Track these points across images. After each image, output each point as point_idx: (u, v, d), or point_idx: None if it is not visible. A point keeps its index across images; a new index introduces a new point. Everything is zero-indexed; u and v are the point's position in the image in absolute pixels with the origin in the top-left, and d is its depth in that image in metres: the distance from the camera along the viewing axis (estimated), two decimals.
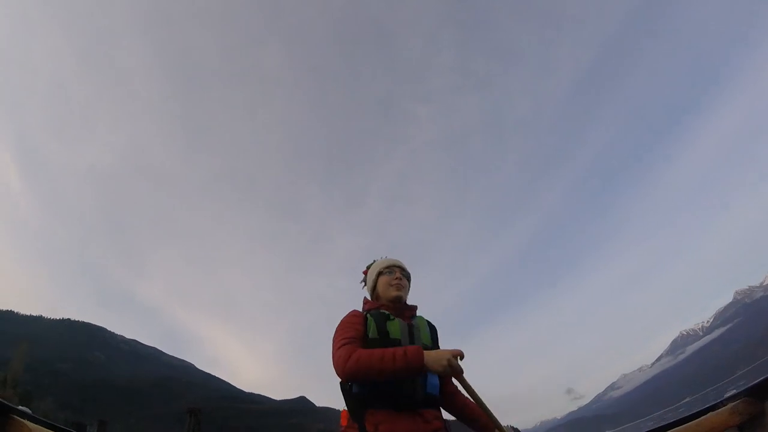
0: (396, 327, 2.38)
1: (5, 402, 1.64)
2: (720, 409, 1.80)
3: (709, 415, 1.83)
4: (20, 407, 1.78)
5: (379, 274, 2.49)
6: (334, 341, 2.40)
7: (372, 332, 2.38)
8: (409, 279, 2.51)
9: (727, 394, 1.87)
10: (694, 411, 1.91)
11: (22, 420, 1.63)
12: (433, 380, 2.38)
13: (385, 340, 2.38)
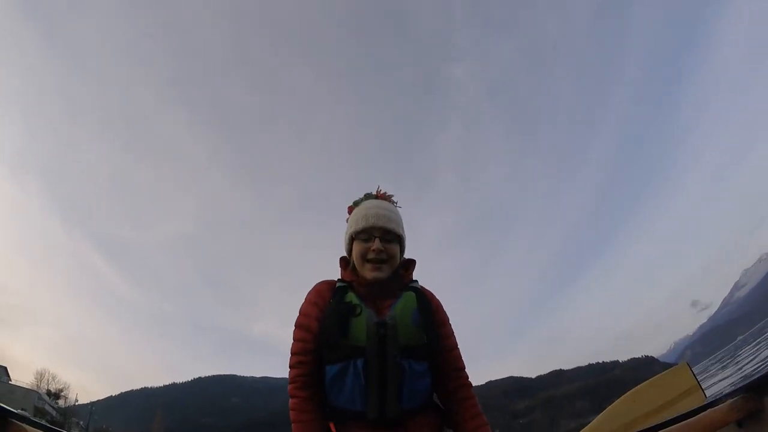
0: (361, 327, 1.70)
1: (4, 406, 1.58)
2: (719, 406, 1.76)
3: (708, 411, 1.79)
4: (19, 411, 1.70)
5: (353, 237, 1.88)
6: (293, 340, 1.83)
7: (330, 328, 1.70)
8: (399, 240, 1.89)
9: (726, 391, 1.84)
10: (693, 408, 1.89)
11: (21, 424, 1.57)
12: (417, 386, 1.72)
13: (344, 350, 1.69)
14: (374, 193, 2.01)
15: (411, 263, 1.98)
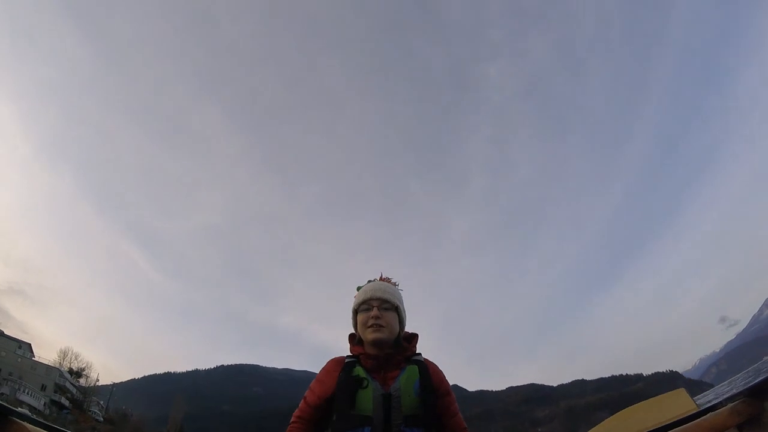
0: (368, 398, 1.89)
1: (4, 404, 1.58)
2: (720, 410, 1.76)
3: (708, 415, 1.79)
4: (19, 409, 1.72)
5: (356, 312, 2.15)
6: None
7: (341, 400, 1.90)
8: (397, 308, 2.11)
9: (726, 395, 1.84)
10: (694, 412, 1.89)
11: (21, 422, 1.58)
12: None
13: (354, 419, 1.86)
14: (377, 278, 2.24)
15: (414, 337, 2.15)
